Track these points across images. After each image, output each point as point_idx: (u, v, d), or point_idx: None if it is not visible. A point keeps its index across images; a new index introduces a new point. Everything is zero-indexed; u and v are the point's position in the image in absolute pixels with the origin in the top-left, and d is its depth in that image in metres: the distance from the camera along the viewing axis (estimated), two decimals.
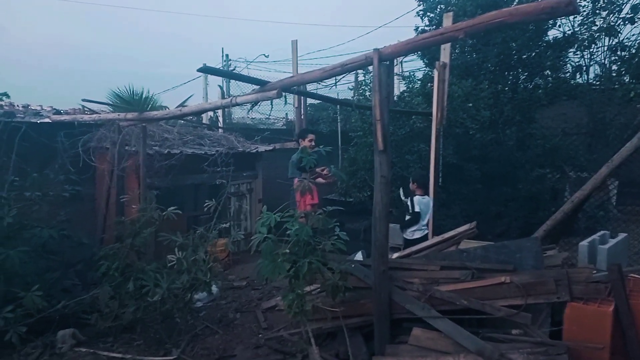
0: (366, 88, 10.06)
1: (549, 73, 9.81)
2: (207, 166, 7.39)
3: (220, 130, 9.92)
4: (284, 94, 4.46)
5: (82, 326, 4.92)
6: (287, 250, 3.70)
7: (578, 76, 10.81)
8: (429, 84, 9.02)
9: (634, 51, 10.58)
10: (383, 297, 3.73)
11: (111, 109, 8.24)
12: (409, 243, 5.86)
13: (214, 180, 7.64)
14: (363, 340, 3.95)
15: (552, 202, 8.86)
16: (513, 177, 8.85)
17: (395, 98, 10.42)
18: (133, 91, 8.90)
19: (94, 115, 6.94)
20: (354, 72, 10.25)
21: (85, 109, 8.78)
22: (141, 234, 4.86)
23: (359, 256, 5.34)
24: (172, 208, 4.85)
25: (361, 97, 9.97)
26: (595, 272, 3.38)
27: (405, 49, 3.56)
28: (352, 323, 3.98)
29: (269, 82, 4.45)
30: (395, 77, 12.08)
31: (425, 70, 11.22)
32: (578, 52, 10.44)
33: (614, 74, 11.04)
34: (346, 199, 9.45)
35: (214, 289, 5.34)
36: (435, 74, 6.62)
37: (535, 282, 3.28)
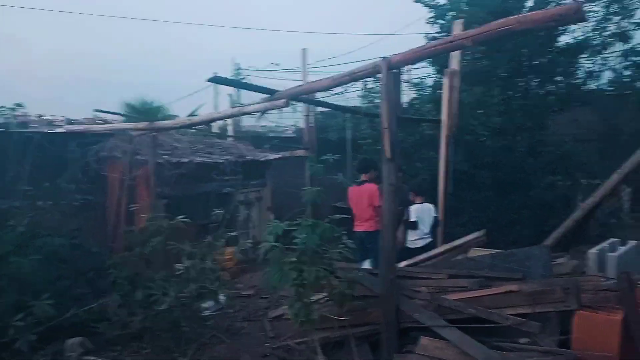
0: (375, 95, 10.07)
1: (561, 79, 9.73)
2: (216, 175, 7.44)
3: (229, 138, 9.98)
4: (293, 102, 4.48)
5: (91, 335, 4.94)
6: (294, 259, 3.69)
7: (590, 82, 10.71)
8: (439, 91, 9.00)
9: None
10: (390, 306, 3.70)
11: (124, 119, 8.36)
12: (412, 252, 5.81)
13: (224, 188, 7.69)
14: (370, 349, 3.91)
15: (564, 210, 8.73)
16: (525, 184, 8.75)
17: (405, 105, 10.42)
18: (145, 101, 9.04)
19: (106, 125, 7.04)
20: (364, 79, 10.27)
21: (98, 119, 8.91)
22: (150, 243, 4.89)
23: (366, 265, 5.31)
24: (180, 217, 4.87)
25: (370, 105, 9.98)
26: (604, 280, 3.32)
27: (414, 57, 3.56)
28: (360, 332, 3.95)
29: (278, 91, 4.47)
30: (406, 84, 12.08)
31: (436, 77, 11.20)
32: (590, 58, 10.35)
33: (627, 80, 10.92)
34: None
35: (222, 297, 5.34)
36: (445, 81, 6.60)
37: (543, 291, 3.22)
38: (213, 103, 16.43)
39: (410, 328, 3.77)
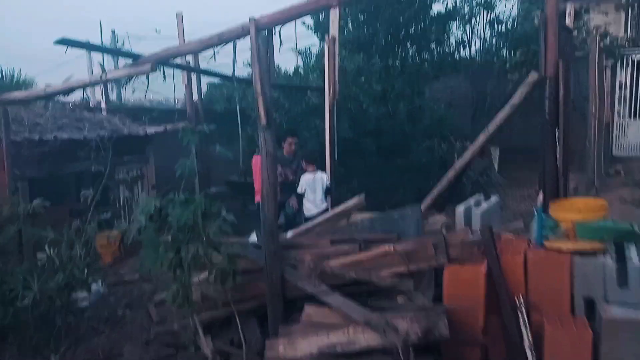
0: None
1: (435, 47, 10.23)
2: (87, 152, 6.76)
3: (104, 112, 9.13)
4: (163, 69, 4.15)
5: None
6: (169, 237, 3.46)
7: (461, 50, 11.44)
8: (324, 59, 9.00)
9: (509, 26, 11.42)
10: (275, 278, 3.65)
11: None
12: (308, 220, 5.86)
13: (97, 166, 7.04)
14: (257, 324, 3.85)
15: (442, 171, 9.32)
16: (406, 149, 9.17)
17: (290, 74, 10.29)
18: (1, 71, 7.90)
19: None
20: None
21: None
22: (4, 231, 4.31)
23: (253, 238, 5.18)
24: (37, 200, 4.34)
25: None
26: (471, 234, 3.55)
27: (282, 18, 3.44)
28: (246, 308, 3.86)
29: (142, 55, 4.09)
30: (292, 52, 11.92)
31: (320, 45, 11.19)
32: (460, 27, 11.03)
33: (494, 48, 11.84)
34: (246, 180, 9.26)
35: (95, 287, 4.92)
36: (326, 48, 6.55)
37: (415, 249, 3.37)
38: (88, 74, 14.90)
39: (297, 298, 3.76)
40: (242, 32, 3.42)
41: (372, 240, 3.67)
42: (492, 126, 5.59)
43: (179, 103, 14.79)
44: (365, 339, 2.99)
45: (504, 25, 11.45)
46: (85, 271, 4.15)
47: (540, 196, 3.31)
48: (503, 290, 3.14)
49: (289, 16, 3.36)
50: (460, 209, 4.16)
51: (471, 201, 4.38)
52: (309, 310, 3.47)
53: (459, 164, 5.70)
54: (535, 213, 3.41)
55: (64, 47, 3.82)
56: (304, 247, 3.89)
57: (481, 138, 5.67)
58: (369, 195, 7.10)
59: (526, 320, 3.12)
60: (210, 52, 3.98)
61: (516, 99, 5.49)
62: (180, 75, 10.29)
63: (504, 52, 11.68)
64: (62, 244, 4.29)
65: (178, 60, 6.52)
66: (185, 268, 3.40)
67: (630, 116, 12.33)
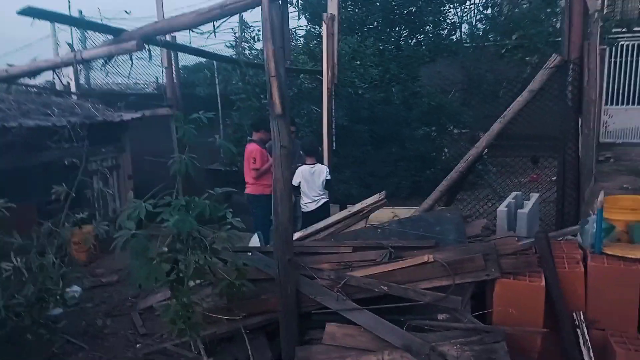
0: (246, 45, 9.15)
1: (430, 29, 9.74)
2: (57, 141, 6.04)
3: (74, 96, 8.32)
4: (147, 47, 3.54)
5: None
6: (165, 248, 2.89)
7: (453, 34, 10.98)
8: (313, 42, 8.43)
9: (502, 10, 11.00)
10: (290, 291, 3.13)
11: None
12: (305, 217, 5.34)
13: (69, 157, 6.33)
14: (267, 341, 3.33)
15: (438, 160, 8.95)
16: (401, 136, 8.73)
17: None
18: None
19: None
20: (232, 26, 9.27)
21: None
22: None
23: (254, 240, 4.62)
24: (1, 200, 3.68)
25: (242, 56, 9.06)
26: (517, 240, 3.10)
27: None
28: (254, 323, 3.33)
29: (126, 30, 3.45)
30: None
31: (307, 27, 10.55)
32: (452, 10, 10.54)
33: (481, 32, 11.44)
34: (232, 169, 8.67)
35: (69, 292, 4.27)
36: (324, 27, 5.98)
37: (461, 259, 2.89)
38: (54, 55, 13.82)
39: (311, 312, 3.25)
40: (251, 1, 2.83)
41: (404, 247, 3.18)
42: (510, 113, 5.18)
43: (151, 87, 13.93)
44: None
45: (495, 9, 11.05)
46: (61, 283, 3.53)
47: (601, 196, 2.87)
48: (562, 307, 2.70)
49: None
50: (502, 209, 3.69)
51: (511, 200, 3.92)
52: (332, 329, 2.97)
53: (472, 153, 5.26)
54: (592, 214, 2.97)
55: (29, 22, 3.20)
56: (321, 254, 3.37)
57: (497, 126, 5.24)
58: (363, 186, 6.56)
59: (587, 340, 2.71)
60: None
61: (536, 84, 5.08)
62: (152, 57, 9.52)
63: (492, 36, 11.30)
64: (31, 252, 3.64)
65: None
66: (185, 284, 2.84)
67: (616, 103, 12.36)
